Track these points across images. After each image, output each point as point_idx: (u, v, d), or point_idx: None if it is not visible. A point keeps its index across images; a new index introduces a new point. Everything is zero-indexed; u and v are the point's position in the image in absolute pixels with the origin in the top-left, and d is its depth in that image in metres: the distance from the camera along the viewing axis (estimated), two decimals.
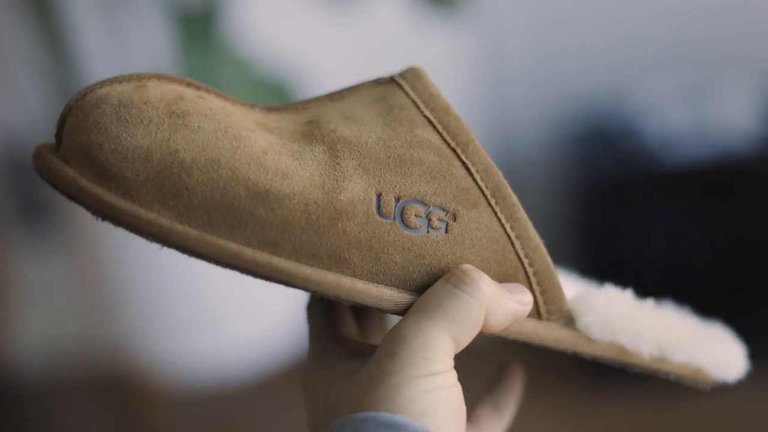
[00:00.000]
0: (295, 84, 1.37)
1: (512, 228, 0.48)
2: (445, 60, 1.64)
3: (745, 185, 1.54)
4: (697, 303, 1.73)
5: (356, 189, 0.46)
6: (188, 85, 0.49)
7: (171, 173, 0.45)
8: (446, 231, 0.47)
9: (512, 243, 0.48)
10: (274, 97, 1.36)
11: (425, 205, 0.46)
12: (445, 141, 0.48)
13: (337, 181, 0.46)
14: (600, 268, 1.56)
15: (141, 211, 0.44)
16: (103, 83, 0.47)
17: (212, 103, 0.48)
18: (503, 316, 0.46)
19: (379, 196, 0.46)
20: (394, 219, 0.46)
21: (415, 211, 0.46)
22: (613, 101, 1.63)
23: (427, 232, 0.46)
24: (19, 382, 1.63)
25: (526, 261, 0.48)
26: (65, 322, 1.65)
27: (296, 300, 1.50)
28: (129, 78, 0.47)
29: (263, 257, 0.45)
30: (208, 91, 0.50)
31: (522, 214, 0.48)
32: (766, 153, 1.53)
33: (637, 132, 1.58)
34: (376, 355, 0.44)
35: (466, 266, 0.46)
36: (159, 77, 0.48)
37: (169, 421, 1.55)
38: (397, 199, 0.46)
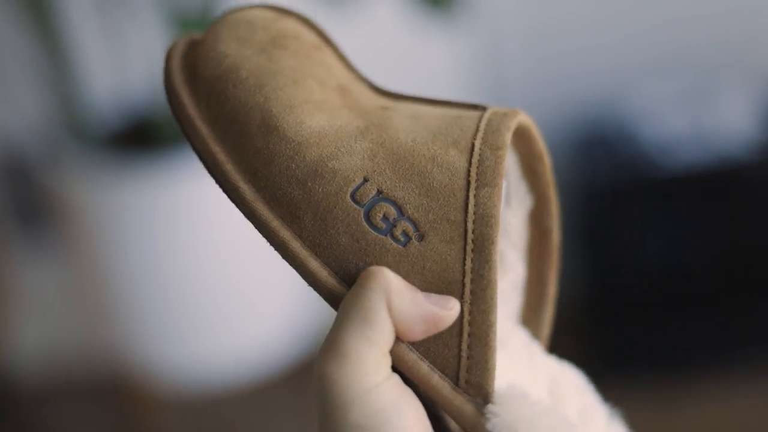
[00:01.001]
0: None
1: (472, 281, 0.43)
2: (443, 64, 1.64)
3: (743, 190, 1.54)
4: (694, 306, 1.74)
5: (348, 165, 0.45)
6: (320, 35, 0.52)
7: (225, 80, 0.47)
8: (404, 245, 0.44)
9: (462, 294, 0.43)
10: None
11: (400, 212, 0.44)
12: (468, 172, 0.45)
13: (338, 150, 0.45)
14: (598, 273, 1.56)
15: (186, 100, 0.48)
16: (255, 6, 0.52)
17: (319, 54, 0.50)
18: (416, 319, 0.43)
19: (364, 181, 0.45)
20: (361, 207, 0.45)
21: (385, 211, 0.44)
22: (611, 106, 1.64)
23: (385, 236, 0.44)
24: (16, 386, 1.63)
25: (467, 317, 0.43)
26: (62, 326, 1.65)
27: (294, 305, 1.50)
28: (276, 9, 0.51)
29: (240, 183, 0.47)
30: (333, 49, 0.52)
31: (492, 275, 0.43)
32: (764, 158, 1.53)
33: (635, 137, 1.58)
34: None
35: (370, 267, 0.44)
36: (304, 21, 0.52)
37: (166, 426, 1.55)
38: (378, 193, 0.45)
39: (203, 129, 0.48)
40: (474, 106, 0.49)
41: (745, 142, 1.54)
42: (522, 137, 0.48)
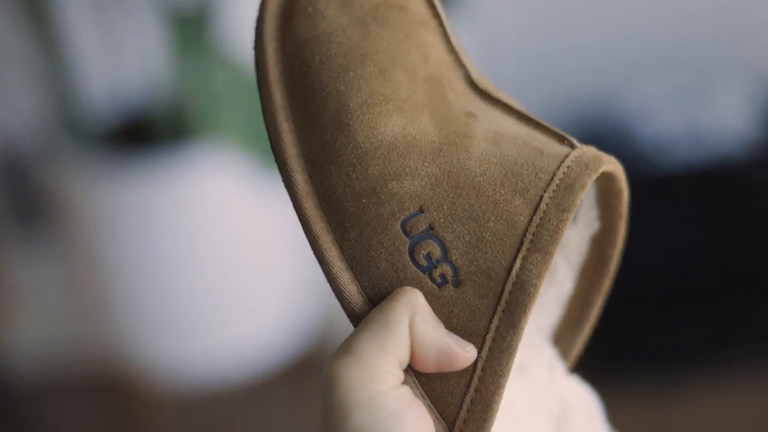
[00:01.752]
0: None
1: (493, 339, 0.42)
2: None
3: (739, 187, 1.55)
4: (692, 303, 1.74)
5: (408, 189, 0.43)
6: (430, 4, 0.48)
7: (313, 49, 0.45)
8: (439, 287, 0.43)
9: (481, 349, 0.42)
10: None
11: (445, 255, 0.43)
12: (526, 231, 0.42)
13: (403, 170, 0.43)
14: None
15: (271, 57, 0.46)
16: None
17: (421, 32, 0.47)
18: (433, 346, 0.42)
19: (419, 211, 0.43)
20: (409, 239, 0.43)
21: (430, 250, 0.43)
22: (607, 104, 1.64)
23: (424, 274, 0.43)
24: (12, 383, 1.63)
25: (478, 373, 0.42)
26: (59, 323, 1.65)
27: (291, 302, 1.50)
28: None
29: (296, 173, 0.45)
30: (439, 23, 0.48)
31: (514, 341, 0.42)
32: (761, 156, 1.53)
33: (631, 135, 1.58)
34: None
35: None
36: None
37: (163, 423, 1.55)
38: (429, 228, 0.43)
39: (278, 97, 0.46)
40: (563, 139, 0.46)
41: (741, 140, 1.55)
42: (604, 174, 0.46)
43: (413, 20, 0.47)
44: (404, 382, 0.42)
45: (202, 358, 1.48)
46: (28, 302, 1.65)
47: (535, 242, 0.42)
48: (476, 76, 0.48)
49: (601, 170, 0.44)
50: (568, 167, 0.43)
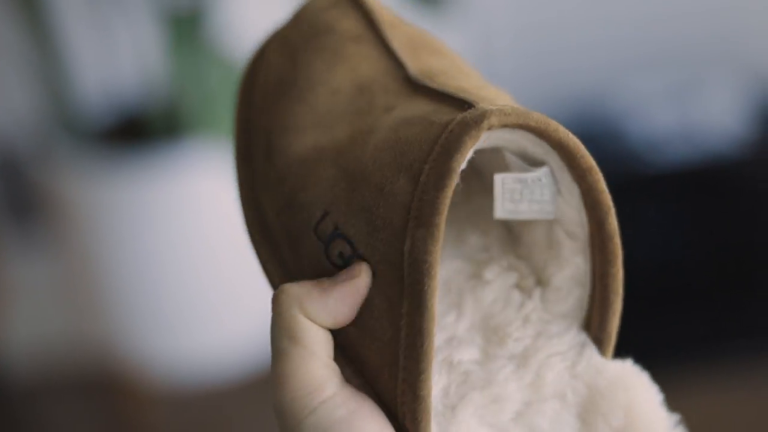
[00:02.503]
0: None
1: (406, 325, 0.40)
2: None
3: (730, 186, 1.55)
4: (683, 301, 1.75)
5: (313, 197, 0.43)
6: (367, 18, 0.49)
7: (258, 90, 0.49)
8: None
9: (399, 339, 0.40)
10: None
11: (353, 250, 0.42)
12: (410, 208, 0.40)
13: (307, 180, 0.44)
14: None
15: (243, 87, 0.50)
16: None
17: (352, 47, 0.48)
18: (336, 303, 0.41)
19: (324, 214, 0.43)
20: (323, 243, 0.43)
21: (341, 249, 0.42)
22: (598, 103, 1.64)
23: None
24: (7, 381, 1.63)
25: (402, 363, 0.40)
26: (54, 321, 1.65)
27: None
28: None
29: (245, 205, 0.48)
30: (377, 32, 0.49)
31: (424, 323, 0.39)
32: (751, 154, 1.54)
33: (623, 133, 1.58)
34: None
35: None
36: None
37: (157, 420, 1.55)
38: (335, 229, 0.42)
39: (240, 140, 0.49)
40: (462, 103, 0.42)
41: (733, 138, 1.55)
42: (532, 132, 0.42)
43: (343, 39, 0.48)
44: (349, 380, 0.42)
45: (197, 356, 1.49)
46: (22, 300, 1.65)
47: (418, 217, 0.39)
48: (417, 70, 0.47)
49: (484, 124, 0.39)
50: (450, 131, 0.40)
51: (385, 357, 0.41)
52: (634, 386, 0.45)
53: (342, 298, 0.41)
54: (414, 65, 0.47)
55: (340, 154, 0.43)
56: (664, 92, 1.64)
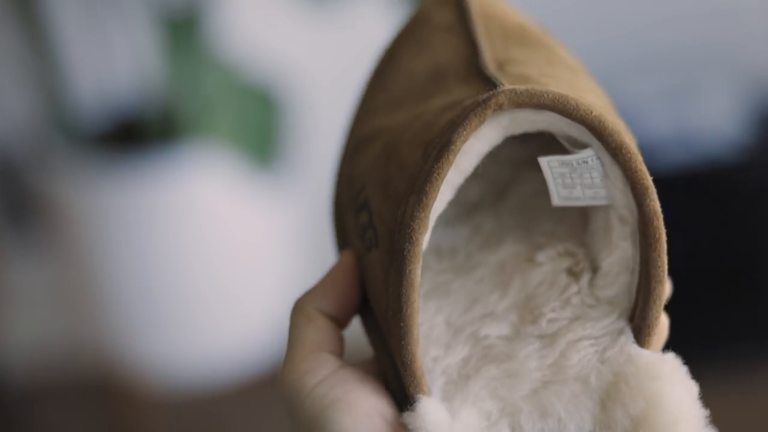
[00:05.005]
0: (278, 88, 1.37)
1: (389, 291, 0.41)
2: None
3: (727, 190, 1.55)
4: (678, 306, 1.74)
5: (361, 170, 0.47)
6: (459, 9, 0.51)
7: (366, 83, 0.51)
8: (369, 251, 0.44)
9: (387, 307, 0.41)
10: (257, 100, 1.36)
11: (370, 220, 0.44)
12: (419, 173, 0.41)
13: (360, 155, 0.48)
14: None
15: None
16: None
17: (440, 37, 0.50)
18: (331, 287, 0.44)
19: (362, 188, 0.46)
20: (355, 212, 0.46)
21: (364, 219, 0.44)
22: None
23: (362, 240, 0.45)
24: (4, 385, 1.63)
25: (386, 330, 0.42)
26: (50, 324, 1.65)
27: (280, 302, 1.50)
28: None
29: (335, 191, 0.50)
30: (467, 22, 0.50)
31: (405, 292, 0.40)
32: (748, 158, 1.54)
33: None
34: None
35: None
36: None
37: (153, 423, 1.55)
38: (365, 201, 0.45)
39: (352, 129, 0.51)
40: (493, 86, 0.43)
41: (729, 142, 1.55)
42: (552, 110, 0.41)
43: (435, 29, 0.50)
44: (381, 360, 0.44)
45: (193, 359, 1.48)
46: (20, 303, 1.65)
47: (414, 185, 0.41)
48: (492, 59, 0.47)
49: (493, 104, 0.40)
50: (462, 109, 0.41)
51: (386, 327, 0.42)
52: (664, 376, 0.44)
53: (332, 283, 0.44)
54: (492, 54, 0.47)
55: (391, 134, 0.45)
56: (660, 95, 1.64)
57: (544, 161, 0.42)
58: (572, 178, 0.43)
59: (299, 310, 0.44)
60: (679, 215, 1.55)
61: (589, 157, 0.42)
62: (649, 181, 0.43)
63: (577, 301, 0.45)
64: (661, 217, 0.44)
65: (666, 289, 0.45)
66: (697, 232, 1.55)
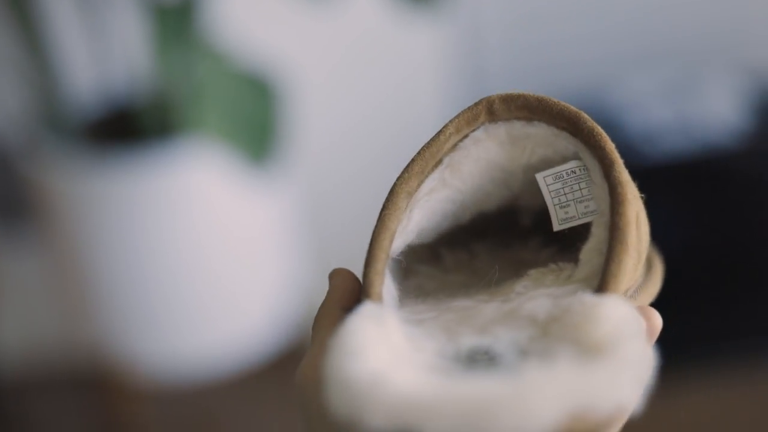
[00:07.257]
0: (272, 78, 1.36)
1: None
2: (423, 55, 1.63)
3: (727, 179, 1.54)
4: (679, 296, 1.74)
5: None
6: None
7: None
8: None
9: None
10: (251, 90, 1.35)
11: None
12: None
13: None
14: None
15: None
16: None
17: None
18: (351, 287, 0.48)
19: None
20: None
21: None
22: (595, 96, 1.63)
23: None
24: None
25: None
26: (43, 318, 1.64)
27: (276, 296, 1.49)
28: None
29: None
30: None
31: (381, 223, 0.48)
32: (749, 147, 1.53)
33: (619, 126, 1.57)
34: None
35: None
36: None
37: (148, 418, 1.55)
38: None
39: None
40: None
41: (730, 131, 1.54)
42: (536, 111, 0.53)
43: None
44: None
45: (187, 353, 1.48)
46: (12, 297, 1.64)
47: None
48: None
49: (484, 103, 0.51)
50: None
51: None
52: (608, 302, 0.43)
53: (343, 285, 0.49)
54: None
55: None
56: (660, 86, 1.63)
57: (540, 177, 0.48)
58: (565, 194, 0.49)
59: (322, 315, 0.47)
60: (680, 204, 1.54)
61: (577, 167, 0.49)
62: (615, 155, 0.50)
63: (551, 283, 0.48)
64: (625, 185, 0.48)
65: (630, 256, 0.46)
66: (697, 220, 1.55)
